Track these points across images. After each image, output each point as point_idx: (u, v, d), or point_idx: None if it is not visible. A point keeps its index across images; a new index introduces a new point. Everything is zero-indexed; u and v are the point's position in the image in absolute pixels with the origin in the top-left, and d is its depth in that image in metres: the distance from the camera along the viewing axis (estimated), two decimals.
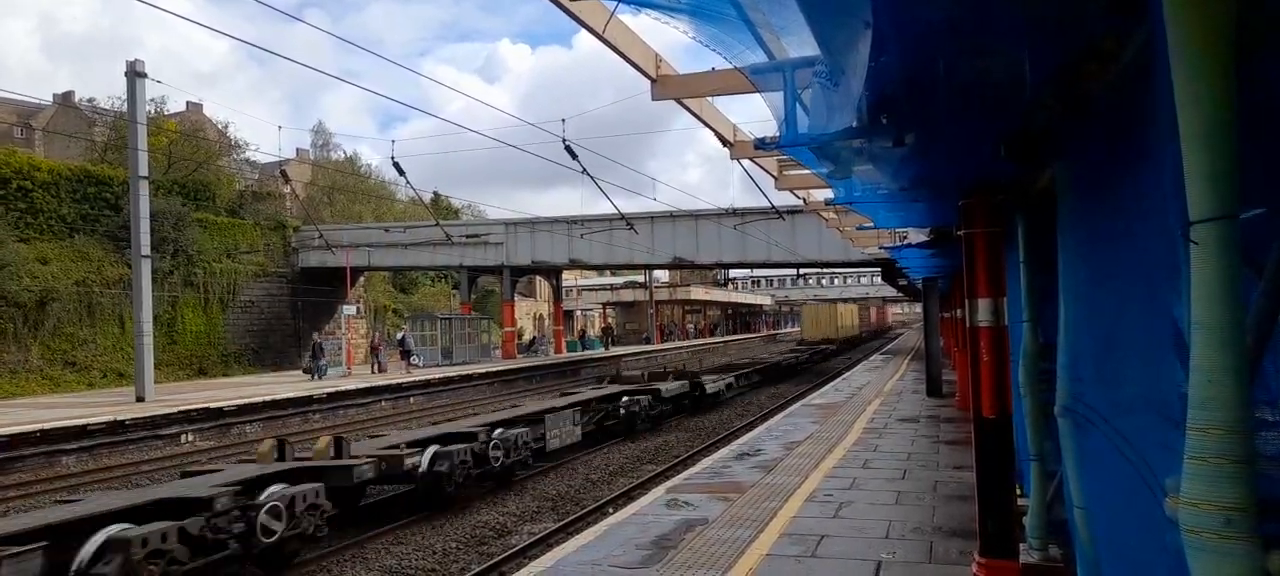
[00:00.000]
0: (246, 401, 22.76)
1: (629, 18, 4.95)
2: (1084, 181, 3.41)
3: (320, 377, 30.61)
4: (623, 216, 31.92)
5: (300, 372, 33.50)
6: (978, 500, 5.63)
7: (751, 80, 4.10)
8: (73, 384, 31.41)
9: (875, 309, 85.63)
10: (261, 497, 8.87)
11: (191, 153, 45.07)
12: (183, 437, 20.37)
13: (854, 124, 3.69)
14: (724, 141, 7.46)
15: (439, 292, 59.91)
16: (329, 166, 70.50)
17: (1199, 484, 1.52)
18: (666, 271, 69.89)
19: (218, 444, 20.30)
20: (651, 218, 38.23)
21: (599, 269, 64.45)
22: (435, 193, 60.48)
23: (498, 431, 13.41)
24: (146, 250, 24.29)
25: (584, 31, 4.68)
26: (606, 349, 52.90)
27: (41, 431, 17.56)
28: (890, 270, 29.63)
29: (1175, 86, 1.54)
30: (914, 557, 6.99)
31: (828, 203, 10.41)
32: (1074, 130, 3.36)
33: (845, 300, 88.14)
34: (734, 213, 36.56)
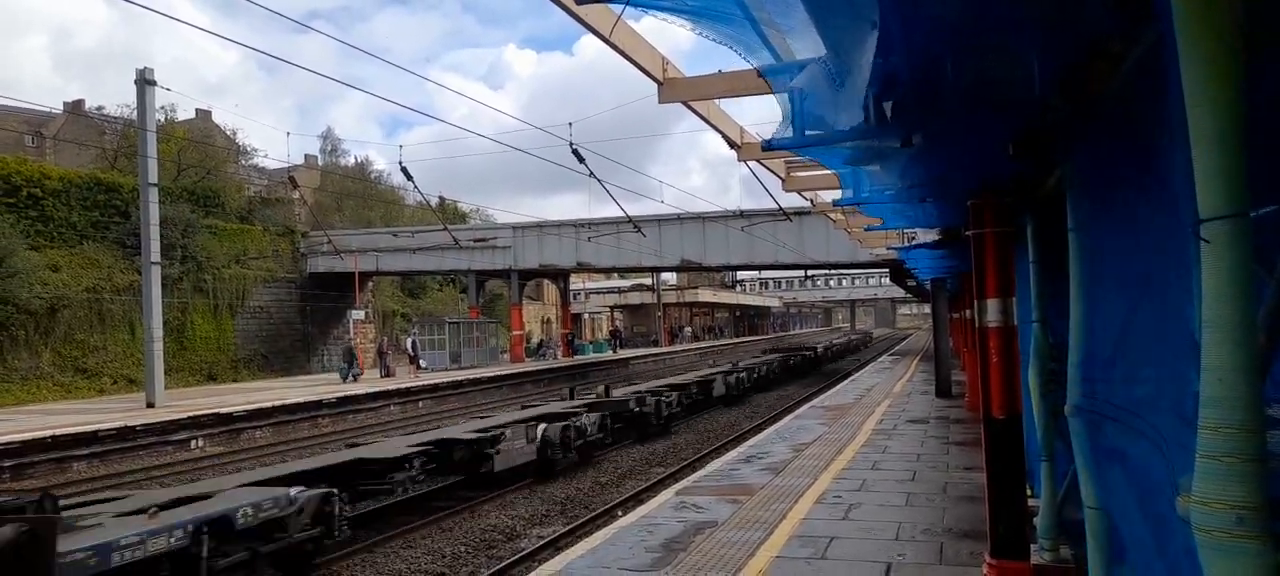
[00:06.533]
0: (256, 407, 22.84)
1: (634, 22, 4.97)
2: (1094, 180, 3.40)
3: (354, 380, 31.65)
4: (630, 219, 31.92)
5: (336, 376, 34.39)
6: (988, 501, 5.61)
7: (766, 78, 4.09)
8: (84, 390, 31.58)
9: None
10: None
11: (201, 160, 45.28)
12: (192, 443, 20.44)
13: (861, 124, 3.69)
14: (731, 143, 7.46)
15: (447, 297, 60.05)
16: (338, 172, 70.74)
17: (1210, 482, 1.51)
18: (674, 274, 69.89)
19: (227, 449, 20.37)
20: (659, 220, 38.23)
21: (607, 271, 64.48)
22: (442, 197, 60.63)
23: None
24: (156, 257, 24.41)
25: (587, 37, 4.69)
26: (614, 352, 52.91)
27: (52, 437, 17.66)
28: (898, 271, 29.57)
29: (1184, 84, 1.54)
30: (924, 559, 6.97)
31: (835, 203, 10.40)
32: (1083, 129, 3.35)
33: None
34: (741, 215, 36.54)
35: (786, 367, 36.14)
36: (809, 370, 39.70)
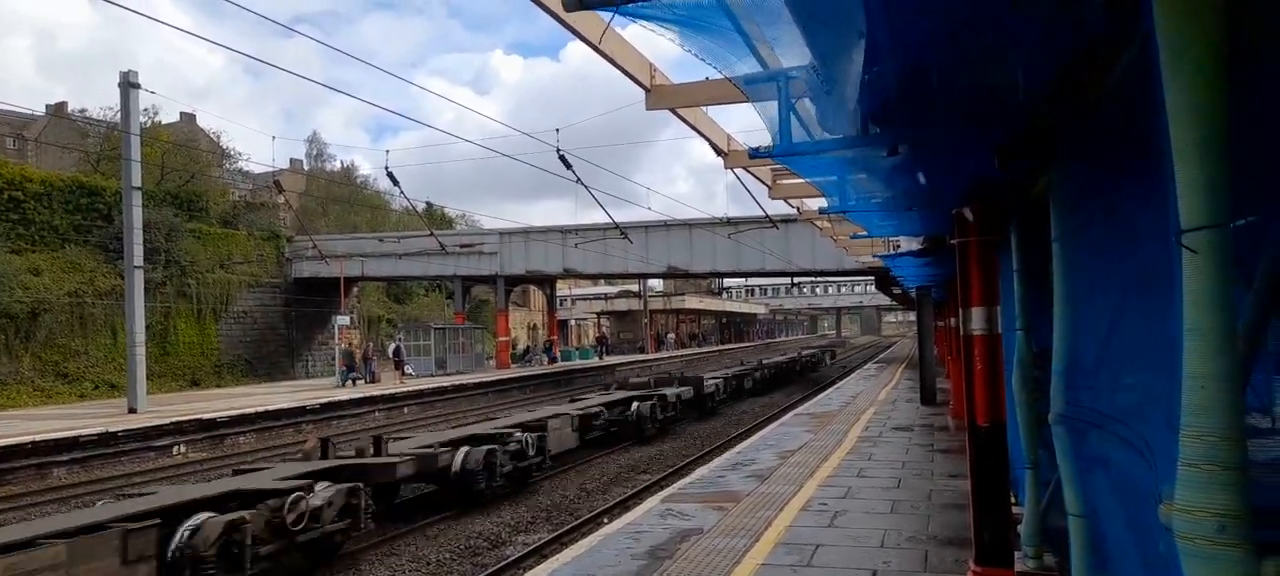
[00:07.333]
0: (239, 412, 22.68)
1: (622, 29, 4.98)
2: (1079, 190, 3.43)
3: (351, 385, 31.91)
4: (617, 225, 31.94)
5: (317, 381, 34.35)
6: (972, 508, 5.64)
7: (743, 90, 4.11)
8: (65, 395, 31.27)
9: None
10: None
11: (185, 163, 45.01)
12: (175, 449, 20.26)
13: (848, 133, 3.71)
14: (718, 151, 7.48)
15: (433, 302, 59.86)
16: (324, 177, 70.46)
17: (1192, 490, 1.53)
18: (661, 280, 69.93)
19: (210, 455, 20.21)
20: (646, 227, 38.28)
21: (593, 278, 64.47)
22: (428, 203, 60.48)
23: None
24: (139, 261, 24.21)
25: (574, 43, 4.71)
26: (601, 358, 52.85)
27: (33, 443, 17.46)
28: (884, 279, 29.72)
29: (1167, 97, 1.55)
30: (909, 566, 6.98)
31: (821, 211, 10.45)
32: (1069, 140, 3.38)
33: None
34: (728, 222, 36.62)
35: (609, 434, 18.76)
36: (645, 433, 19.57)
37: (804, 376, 41.88)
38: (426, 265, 43.97)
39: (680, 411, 22.38)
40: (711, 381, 26.02)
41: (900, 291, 30.49)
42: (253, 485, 9.31)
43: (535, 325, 65.74)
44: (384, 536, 11.11)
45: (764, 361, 38.66)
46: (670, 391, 22.00)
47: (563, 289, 67.16)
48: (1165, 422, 1.91)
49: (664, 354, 62.84)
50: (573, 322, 75.50)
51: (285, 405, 24.55)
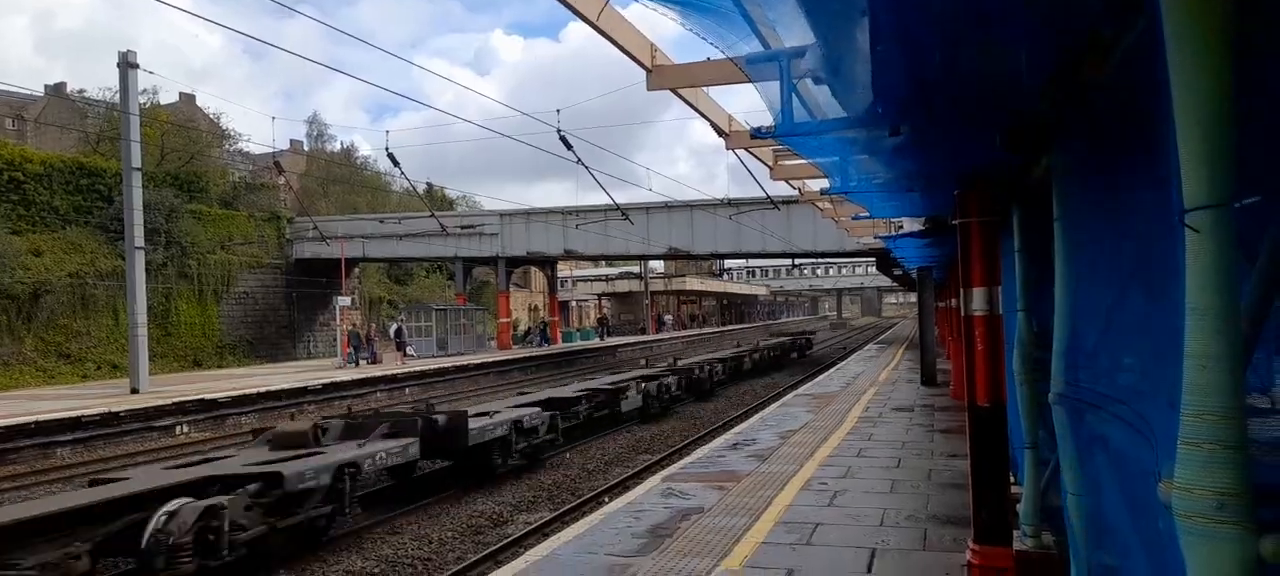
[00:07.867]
0: (241, 393, 22.74)
1: (622, 8, 4.96)
2: (1081, 170, 3.42)
3: (357, 365, 32.38)
4: (618, 207, 31.89)
5: (317, 361, 34.64)
6: (971, 488, 5.65)
7: (745, 70, 4.09)
8: (67, 376, 31.34)
9: None
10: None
11: (185, 144, 44.90)
12: (177, 429, 20.34)
13: (850, 114, 3.70)
14: (719, 131, 7.46)
15: (434, 283, 59.90)
16: (324, 158, 70.34)
17: (1192, 468, 1.53)
18: (662, 262, 69.94)
19: (213, 435, 20.29)
20: (647, 208, 38.24)
21: (594, 259, 64.46)
22: (429, 183, 60.37)
23: None
24: (140, 242, 24.22)
25: (574, 23, 4.68)
26: (602, 339, 52.93)
27: (36, 423, 17.53)
28: (885, 260, 29.72)
29: (1172, 74, 1.54)
30: (908, 545, 7.03)
31: (823, 192, 10.42)
32: (1072, 119, 3.36)
33: None
34: (729, 203, 36.57)
35: None
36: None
37: (759, 376, 31.02)
38: (427, 246, 43.96)
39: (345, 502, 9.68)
40: (495, 423, 12.82)
41: (901, 272, 30.48)
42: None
43: (536, 306, 65.81)
44: (386, 515, 11.16)
45: (678, 363, 23.77)
46: (310, 467, 9.20)
47: (564, 270, 67.19)
48: (1165, 402, 1.91)
49: (665, 335, 62.91)
50: (574, 304, 75.57)
51: (287, 386, 24.62)
